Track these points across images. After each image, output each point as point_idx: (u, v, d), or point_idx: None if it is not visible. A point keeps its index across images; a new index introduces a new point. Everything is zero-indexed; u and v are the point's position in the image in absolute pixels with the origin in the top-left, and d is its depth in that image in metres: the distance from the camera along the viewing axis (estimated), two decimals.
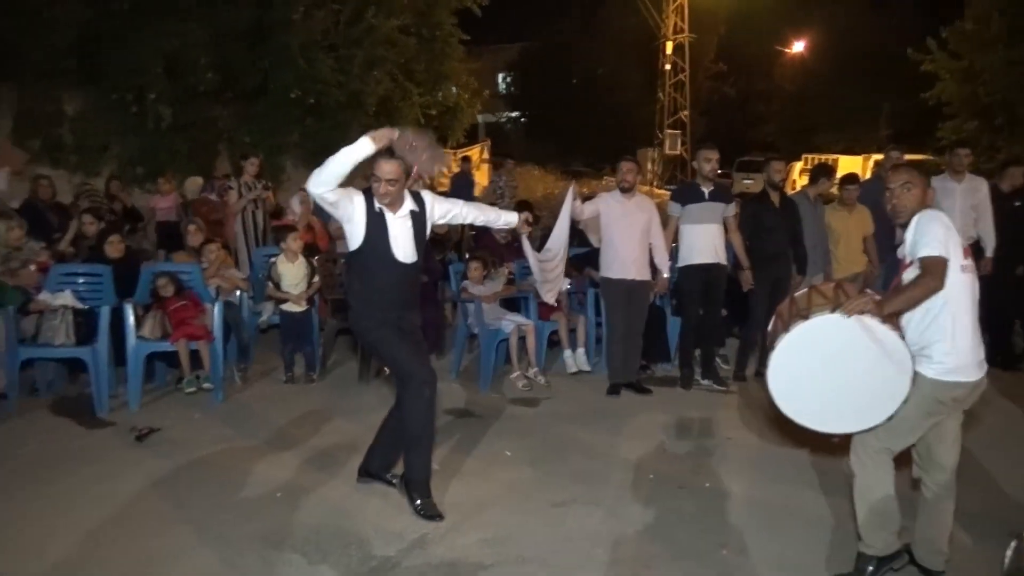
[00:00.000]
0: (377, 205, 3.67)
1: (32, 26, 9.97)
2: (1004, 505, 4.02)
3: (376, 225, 3.68)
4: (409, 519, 3.73)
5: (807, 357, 2.97)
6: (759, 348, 6.32)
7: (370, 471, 4.11)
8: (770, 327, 3.35)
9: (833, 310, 2.93)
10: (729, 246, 6.16)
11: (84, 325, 5.40)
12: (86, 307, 5.55)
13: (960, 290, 2.92)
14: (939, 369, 2.91)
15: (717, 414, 5.45)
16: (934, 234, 2.87)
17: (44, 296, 5.49)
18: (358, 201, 3.67)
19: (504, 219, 4.27)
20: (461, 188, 12.27)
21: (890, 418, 2.95)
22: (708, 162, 5.87)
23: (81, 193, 8.72)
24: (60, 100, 11.00)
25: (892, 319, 2.93)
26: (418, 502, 3.78)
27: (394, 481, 4.04)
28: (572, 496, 4.03)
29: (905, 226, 3.05)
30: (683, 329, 6.22)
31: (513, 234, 7.83)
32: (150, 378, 5.81)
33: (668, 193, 20.91)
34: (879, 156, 23.93)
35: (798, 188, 6.58)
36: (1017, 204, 6.81)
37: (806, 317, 2.99)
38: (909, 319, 2.99)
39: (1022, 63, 16.02)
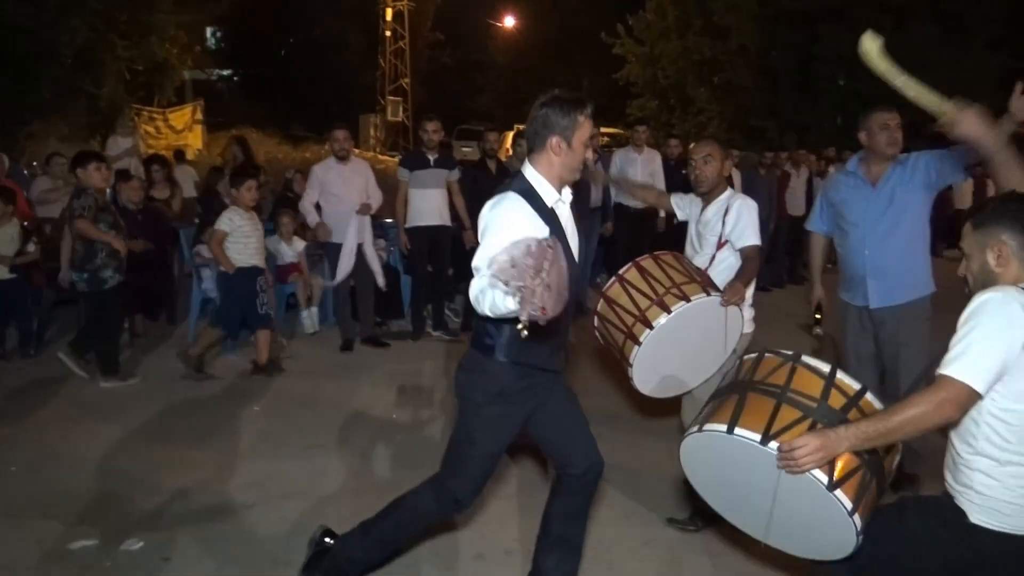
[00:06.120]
0: None
1: None
2: None
3: None
4: (166, 471, 3.86)
5: (679, 335, 3.10)
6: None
7: None
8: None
9: (707, 293, 3.09)
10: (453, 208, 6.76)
11: None
12: None
13: None
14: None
15: (449, 362, 6.03)
16: (755, 224, 3.35)
17: None
18: None
19: None
20: None
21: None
22: (429, 132, 6.38)
23: None
24: None
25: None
26: None
27: None
28: (323, 441, 4.39)
29: (704, 196, 3.47)
30: (413, 286, 6.75)
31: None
32: None
33: (391, 159, 21.22)
34: None
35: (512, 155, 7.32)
36: (684, 172, 8.27)
37: (682, 297, 3.07)
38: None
39: (691, 52, 18.77)
